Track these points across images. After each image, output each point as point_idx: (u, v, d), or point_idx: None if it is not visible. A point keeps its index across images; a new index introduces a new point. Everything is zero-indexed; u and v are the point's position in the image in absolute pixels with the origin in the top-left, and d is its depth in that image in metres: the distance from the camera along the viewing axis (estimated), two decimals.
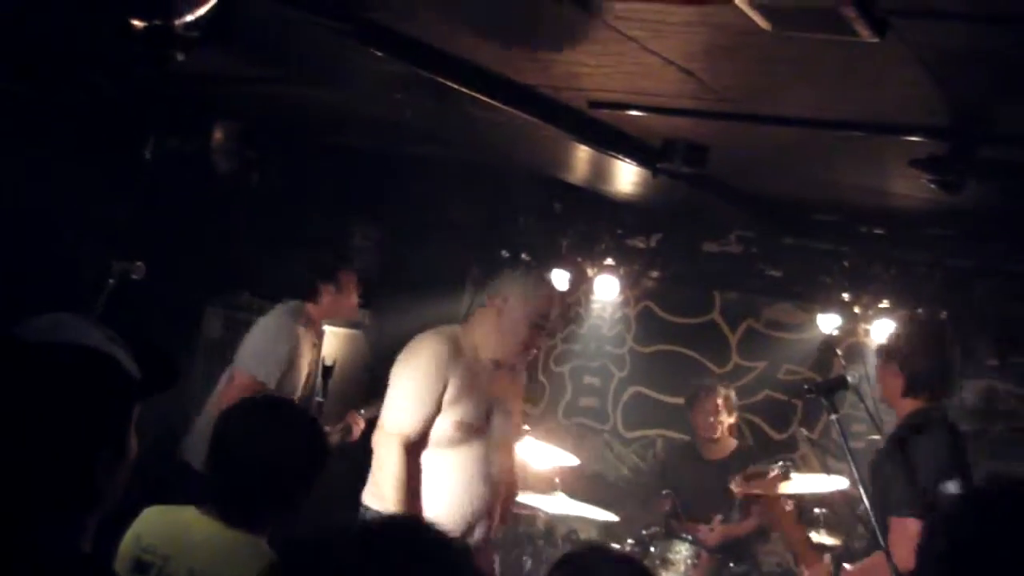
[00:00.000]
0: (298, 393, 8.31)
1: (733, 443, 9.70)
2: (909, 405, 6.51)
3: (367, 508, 6.61)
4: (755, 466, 8.57)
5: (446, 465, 6.57)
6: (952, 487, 6.32)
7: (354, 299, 8.61)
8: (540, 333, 6.77)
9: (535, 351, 7.12)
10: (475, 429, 6.59)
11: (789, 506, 8.04)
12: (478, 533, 6.68)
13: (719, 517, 9.17)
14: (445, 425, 6.50)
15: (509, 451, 6.95)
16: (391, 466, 6.39)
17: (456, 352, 6.55)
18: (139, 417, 2.76)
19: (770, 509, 8.35)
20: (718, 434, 9.60)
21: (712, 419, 9.56)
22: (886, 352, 6.68)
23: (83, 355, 2.61)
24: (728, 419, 9.64)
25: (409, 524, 2.23)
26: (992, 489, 3.25)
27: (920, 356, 6.39)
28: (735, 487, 8.64)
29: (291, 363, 8.19)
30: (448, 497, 6.56)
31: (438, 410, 6.47)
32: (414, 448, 6.46)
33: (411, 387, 6.49)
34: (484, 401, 6.64)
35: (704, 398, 9.62)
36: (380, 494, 6.51)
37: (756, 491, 8.48)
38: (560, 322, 6.97)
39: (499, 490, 6.80)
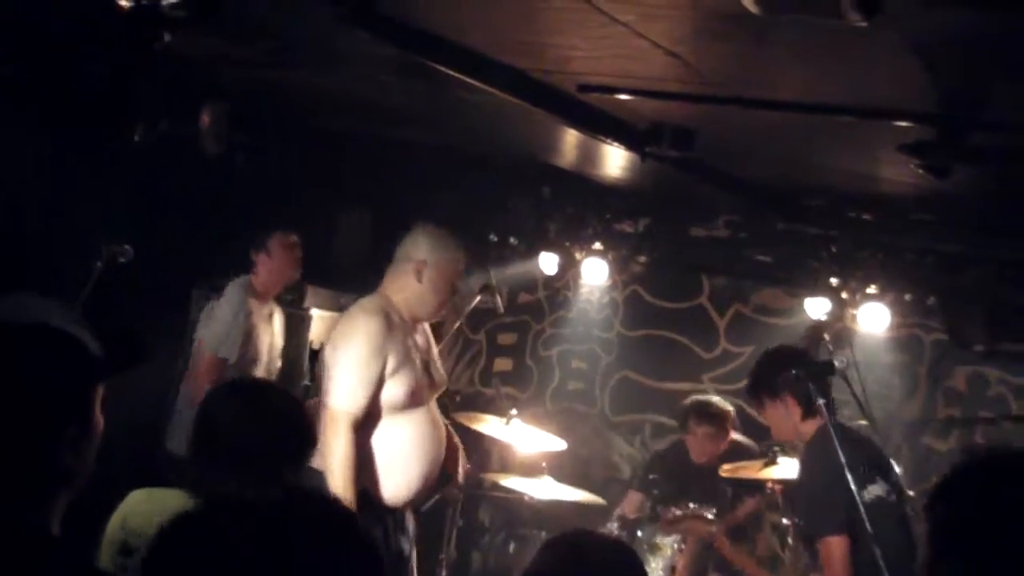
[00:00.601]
0: (260, 364, 8.50)
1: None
2: (811, 427, 6.60)
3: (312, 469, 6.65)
4: (743, 462, 8.58)
5: (402, 431, 6.63)
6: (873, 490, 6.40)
7: (286, 260, 8.73)
8: (455, 293, 6.92)
9: (446, 312, 7.33)
10: (421, 391, 6.68)
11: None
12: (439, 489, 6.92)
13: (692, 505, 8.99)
14: (396, 393, 6.56)
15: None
16: (340, 446, 6.40)
17: (389, 324, 6.61)
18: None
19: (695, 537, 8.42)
20: (710, 458, 9.26)
21: (705, 446, 9.11)
22: (769, 390, 6.77)
23: (44, 333, 2.64)
24: (720, 446, 9.15)
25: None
26: (990, 458, 3.26)
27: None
28: (723, 472, 8.64)
29: (247, 335, 8.44)
30: (408, 462, 6.64)
31: (381, 386, 6.51)
32: (359, 425, 6.49)
33: (353, 367, 6.51)
34: (419, 361, 6.73)
35: (696, 426, 9.10)
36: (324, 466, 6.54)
37: (742, 475, 8.50)
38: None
39: (451, 443, 7.01)
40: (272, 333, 8.82)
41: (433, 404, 6.87)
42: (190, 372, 8.49)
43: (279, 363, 9.05)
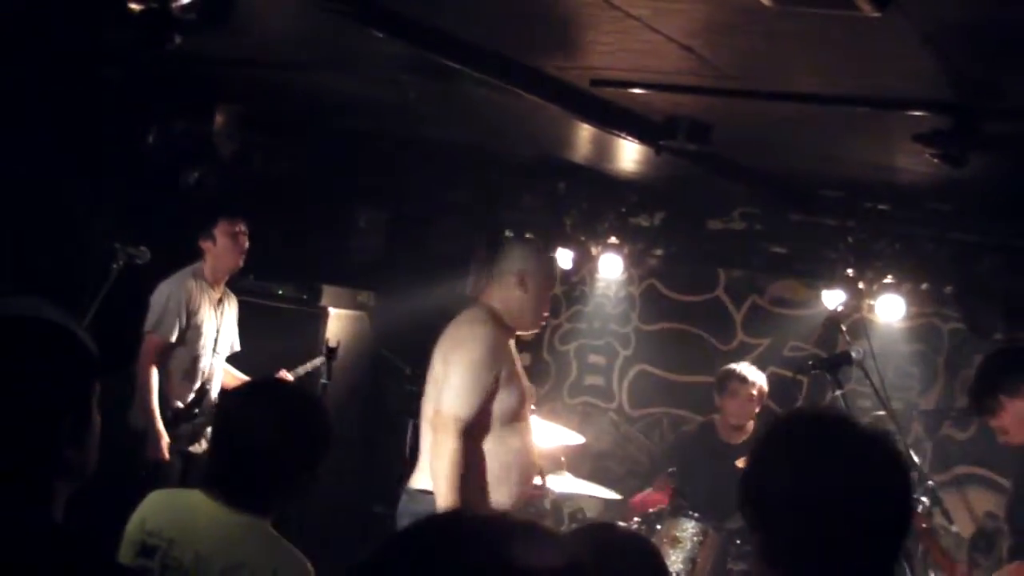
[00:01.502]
0: (205, 347, 8.79)
1: (751, 427, 9.65)
2: None
3: (421, 492, 6.67)
4: None
5: (510, 444, 6.67)
6: None
7: (229, 248, 8.86)
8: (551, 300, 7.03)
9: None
10: (527, 403, 6.81)
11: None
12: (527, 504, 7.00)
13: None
14: (509, 404, 6.61)
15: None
16: (448, 452, 6.43)
17: (501, 331, 6.70)
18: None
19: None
20: (746, 421, 9.56)
21: (745, 408, 9.52)
22: (1009, 390, 6.61)
23: (42, 325, 2.67)
24: (755, 409, 9.61)
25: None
26: (785, 417, 3.31)
27: None
28: (741, 464, 8.64)
29: (189, 317, 8.67)
30: (512, 475, 6.68)
31: (493, 395, 6.55)
32: (467, 433, 6.51)
33: (470, 374, 6.53)
34: (523, 377, 6.84)
35: (740, 386, 9.50)
36: (432, 470, 6.59)
37: None
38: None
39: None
40: (217, 318, 8.95)
41: (530, 422, 6.92)
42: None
43: (233, 348, 9.23)
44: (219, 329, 8.94)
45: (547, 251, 7.05)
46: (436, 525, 1.90)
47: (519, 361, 6.96)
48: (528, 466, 6.77)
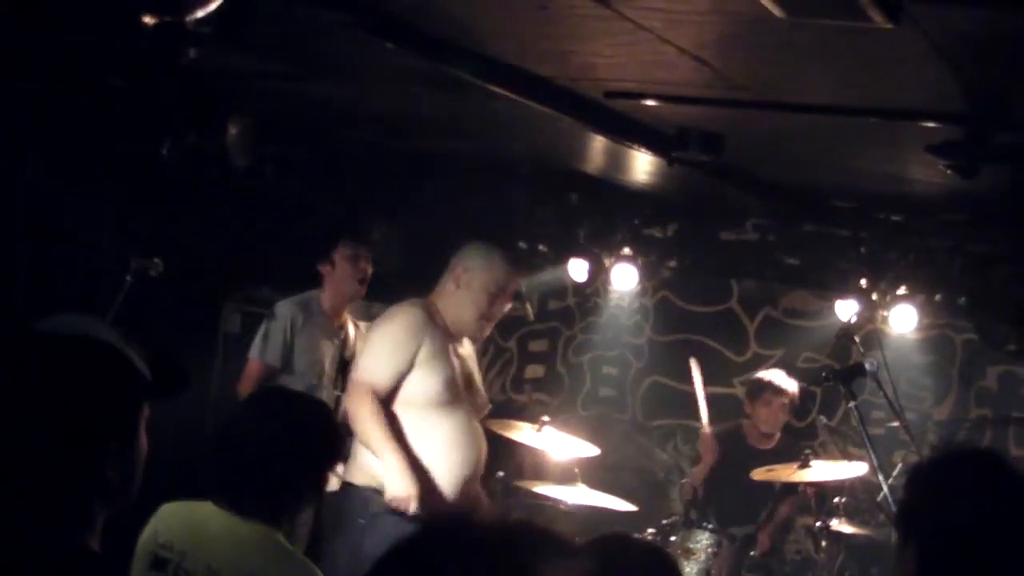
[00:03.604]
0: (315, 376, 8.36)
1: (778, 435, 9.67)
2: None
3: (352, 485, 6.67)
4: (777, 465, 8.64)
5: (436, 429, 6.63)
6: None
7: (349, 273, 8.48)
8: (497, 304, 6.87)
9: (491, 324, 7.14)
10: (456, 390, 6.69)
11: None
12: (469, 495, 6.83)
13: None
14: (434, 383, 6.58)
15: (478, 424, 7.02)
16: (367, 413, 6.45)
17: (430, 320, 6.68)
18: (158, 416, 2.77)
19: None
20: (776, 429, 9.61)
21: (778, 417, 9.59)
22: None
23: (96, 346, 2.64)
24: (787, 418, 9.69)
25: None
26: (947, 454, 3.53)
27: None
28: (755, 476, 8.65)
29: (303, 347, 8.30)
30: (440, 463, 6.63)
31: (409, 368, 6.54)
32: (386, 402, 6.52)
33: (384, 343, 6.60)
34: (453, 370, 6.73)
35: (773, 397, 9.57)
36: (359, 464, 6.61)
37: (775, 478, 8.54)
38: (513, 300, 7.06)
39: (483, 457, 6.92)
40: (337, 348, 8.52)
41: (471, 416, 6.84)
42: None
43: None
44: (338, 361, 8.52)
45: (499, 259, 6.90)
46: (441, 531, 1.89)
47: (470, 366, 6.96)
48: (470, 454, 6.70)
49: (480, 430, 6.92)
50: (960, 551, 3.17)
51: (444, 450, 6.63)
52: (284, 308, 8.39)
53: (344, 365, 8.47)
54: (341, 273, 8.45)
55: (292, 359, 8.31)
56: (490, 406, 7.33)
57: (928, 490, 3.32)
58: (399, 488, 6.38)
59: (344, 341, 8.60)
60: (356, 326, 8.76)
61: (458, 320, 6.83)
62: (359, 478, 6.63)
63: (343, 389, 8.37)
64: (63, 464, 2.57)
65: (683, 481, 9.64)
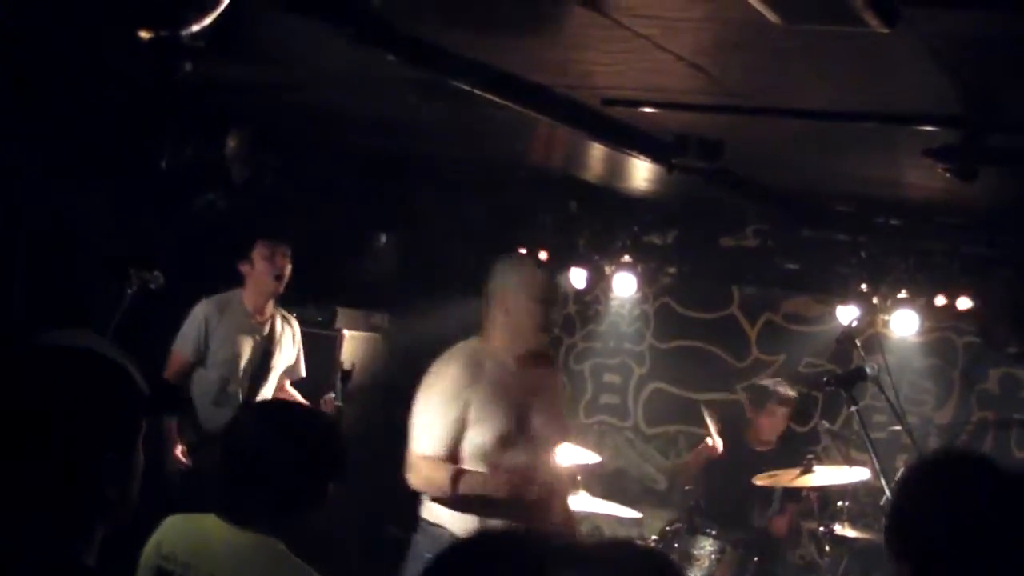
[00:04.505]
0: (230, 371, 8.61)
1: (776, 439, 9.71)
2: None
3: (425, 521, 6.56)
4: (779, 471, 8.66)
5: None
6: None
7: (267, 270, 8.60)
8: (549, 308, 6.60)
9: (554, 329, 6.98)
10: (510, 439, 6.43)
11: None
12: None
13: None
14: (481, 440, 6.36)
15: (552, 452, 6.79)
16: (423, 481, 6.40)
17: (476, 370, 6.43)
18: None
19: None
20: (776, 436, 9.66)
21: (779, 425, 9.70)
22: None
23: (97, 360, 2.64)
24: (786, 425, 9.81)
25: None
26: (932, 459, 3.47)
27: None
28: (758, 482, 8.67)
29: (207, 337, 8.58)
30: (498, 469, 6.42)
31: (463, 429, 6.35)
32: (453, 460, 6.38)
33: (428, 413, 6.42)
34: (516, 407, 6.47)
35: (776, 407, 9.65)
36: (429, 504, 6.52)
37: (778, 483, 8.55)
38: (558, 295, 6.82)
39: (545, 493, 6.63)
40: (256, 344, 8.68)
41: (533, 450, 6.57)
42: None
43: (295, 375, 9.07)
44: (258, 356, 8.70)
45: (524, 264, 6.79)
46: (478, 544, 1.92)
47: (526, 388, 6.59)
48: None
49: (542, 465, 6.62)
50: (953, 560, 3.13)
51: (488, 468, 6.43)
52: (200, 307, 8.61)
53: (267, 358, 8.78)
54: (259, 271, 8.59)
55: (207, 354, 8.57)
56: (570, 433, 7.24)
57: (917, 499, 3.30)
58: (499, 494, 6.29)
59: (270, 337, 8.78)
60: (288, 322, 8.98)
61: (520, 340, 6.55)
62: (431, 516, 6.54)
63: (266, 381, 8.73)
64: (60, 478, 2.56)
65: (687, 488, 9.63)
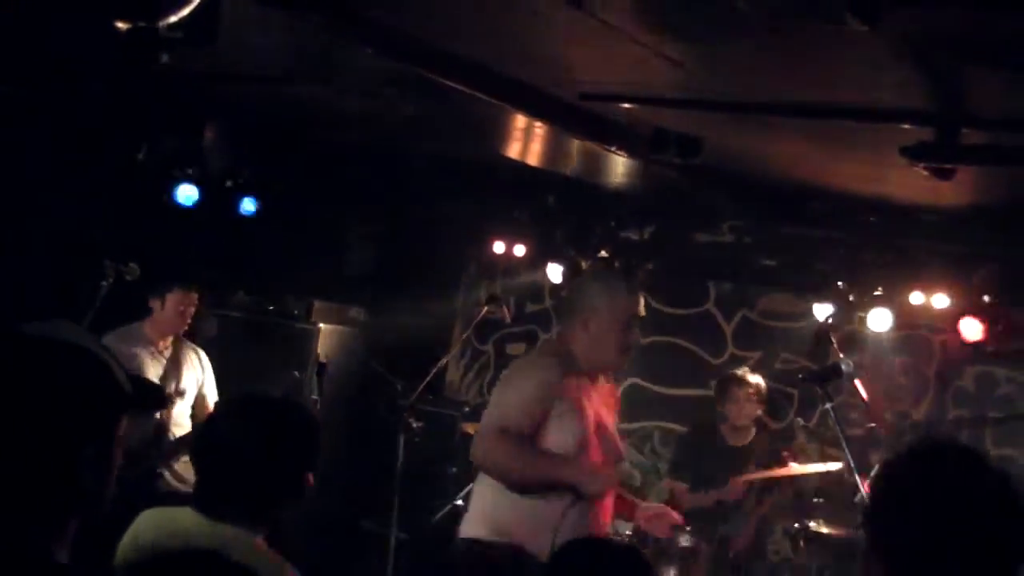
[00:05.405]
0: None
1: (754, 431, 9.69)
2: None
3: (472, 539, 6.30)
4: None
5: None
6: None
7: (173, 317, 8.64)
8: (631, 331, 6.50)
9: (631, 352, 6.88)
10: (586, 446, 6.25)
11: None
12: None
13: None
14: (566, 439, 6.17)
15: (615, 467, 6.65)
16: (504, 455, 6.13)
17: (566, 373, 6.28)
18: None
19: None
20: (749, 422, 9.62)
21: (746, 408, 9.61)
22: None
23: (78, 352, 2.62)
24: (757, 409, 9.70)
25: None
26: (913, 448, 3.41)
27: None
28: (736, 484, 8.72)
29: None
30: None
31: (537, 424, 6.15)
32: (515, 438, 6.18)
33: (516, 394, 6.23)
34: (591, 417, 6.34)
35: (738, 389, 9.63)
36: (486, 517, 6.29)
37: (754, 476, 8.59)
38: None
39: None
40: (162, 367, 8.66)
41: (608, 466, 6.44)
42: None
43: (208, 400, 8.95)
44: (165, 379, 8.63)
45: (622, 287, 6.57)
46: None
47: (600, 410, 6.47)
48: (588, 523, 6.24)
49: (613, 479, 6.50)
50: (927, 555, 3.11)
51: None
52: (116, 338, 8.38)
53: (174, 379, 8.73)
54: (168, 314, 8.62)
55: None
56: (624, 458, 7.15)
57: (892, 491, 3.26)
58: (594, 486, 6.22)
59: (173, 359, 8.75)
60: (192, 348, 8.94)
61: (598, 360, 6.44)
62: (484, 532, 6.30)
63: (181, 398, 8.69)
64: (35, 470, 2.54)
65: (662, 483, 9.64)
